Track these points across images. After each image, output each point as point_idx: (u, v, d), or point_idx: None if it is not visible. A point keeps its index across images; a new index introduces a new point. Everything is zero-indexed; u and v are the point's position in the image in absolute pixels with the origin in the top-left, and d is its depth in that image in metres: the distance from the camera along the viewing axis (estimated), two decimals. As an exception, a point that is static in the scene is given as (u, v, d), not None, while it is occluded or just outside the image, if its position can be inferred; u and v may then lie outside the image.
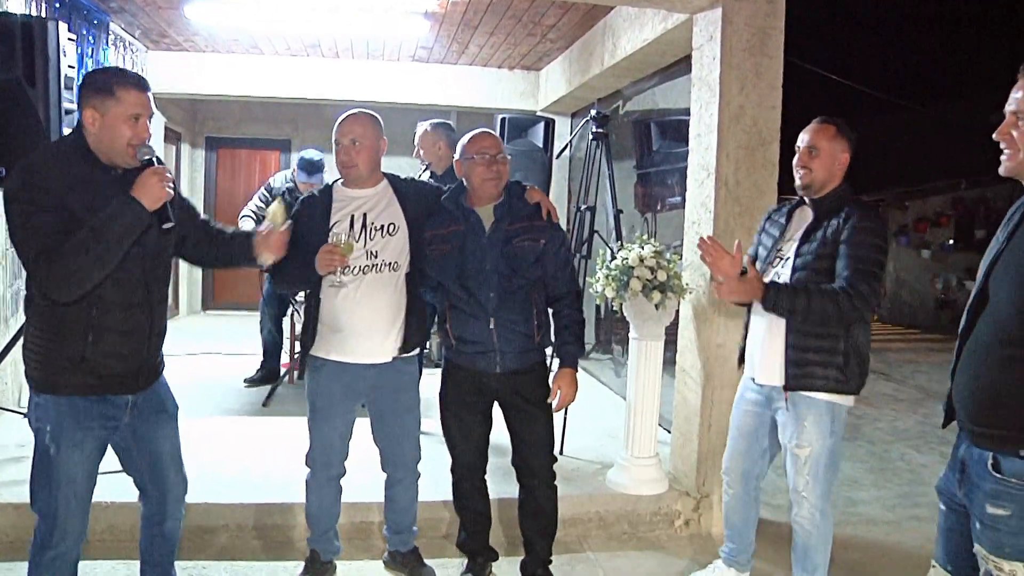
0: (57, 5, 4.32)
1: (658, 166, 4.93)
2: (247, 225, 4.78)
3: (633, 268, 3.24)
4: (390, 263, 2.55)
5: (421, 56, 6.38)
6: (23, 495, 2.18)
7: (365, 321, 2.54)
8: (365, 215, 2.56)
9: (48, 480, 2.04)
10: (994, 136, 1.66)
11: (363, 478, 2.89)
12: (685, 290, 3.30)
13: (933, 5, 12.72)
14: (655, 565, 3.13)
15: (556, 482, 2.73)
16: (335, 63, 6.57)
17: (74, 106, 3.05)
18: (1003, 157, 1.65)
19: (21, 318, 4.05)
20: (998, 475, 1.59)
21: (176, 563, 2.39)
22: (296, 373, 5.03)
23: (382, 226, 2.56)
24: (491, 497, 2.85)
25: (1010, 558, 1.58)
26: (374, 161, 2.59)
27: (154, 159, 2.04)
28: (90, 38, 4.75)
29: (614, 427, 4.05)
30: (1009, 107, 1.63)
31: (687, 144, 3.57)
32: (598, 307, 5.46)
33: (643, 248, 3.29)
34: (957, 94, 12.09)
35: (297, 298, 4.93)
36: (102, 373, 2.03)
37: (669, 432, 3.71)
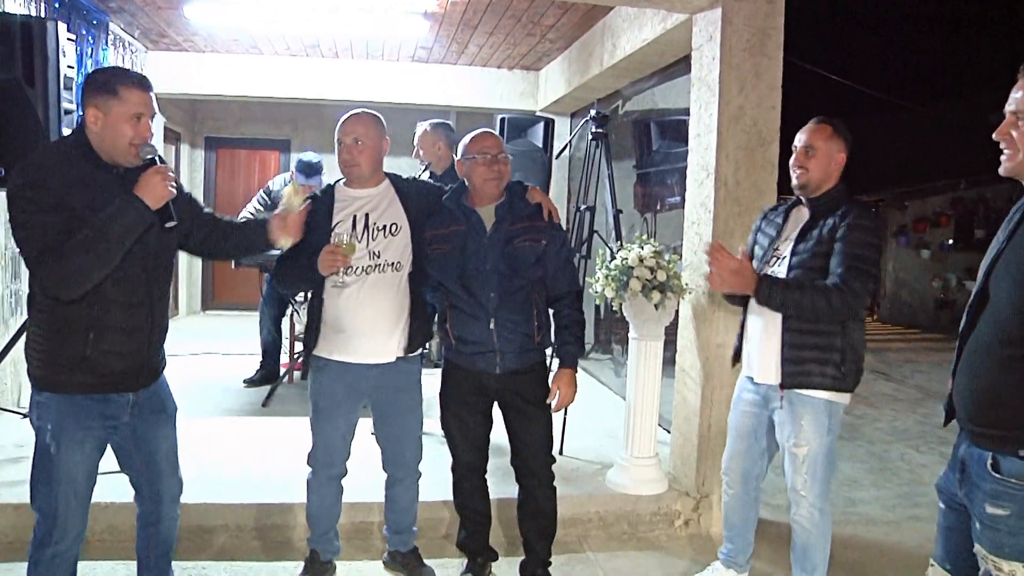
0: (56, 5, 4.32)
1: (658, 166, 4.93)
2: None
3: (633, 268, 3.24)
4: (393, 263, 2.55)
5: (421, 56, 6.38)
6: (23, 495, 2.18)
7: (368, 321, 2.54)
8: (367, 215, 2.56)
9: (48, 478, 2.04)
10: (994, 136, 1.66)
11: (363, 478, 2.89)
12: (685, 290, 3.30)
13: (933, 5, 12.75)
14: (655, 565, 3.13)
15: (555, 482, 2.73)
16: (335, 63, 6.57)
17: (73, 106, 3.06)
18: (1003, 157, 1.66)
19: (21, 318, 4.10)
20: (997, 475, 1.60)
21: (175, 563, 2.39)
22: (296, 373, 5.03)
23: (384, 226, 2.55)
24: (491, 497, 2.84)
25: (1009, 558, 1.58)
26: (376, 161, 2.59)
27: (156, 158, 2.05)
28: (89, 38, 4.75)
29: (614, 427, 4.05)
30: (1009, 107, 1.63)
31: (686, 144, 3.57)
32: (598, 307, 5.45)
33: (643, 248, 3.29)
34: (957, 94, 12.09)
35: (297, 298, 4.93)
36: (103, 372, 2.04)
37: (669, 432, 3.71)
